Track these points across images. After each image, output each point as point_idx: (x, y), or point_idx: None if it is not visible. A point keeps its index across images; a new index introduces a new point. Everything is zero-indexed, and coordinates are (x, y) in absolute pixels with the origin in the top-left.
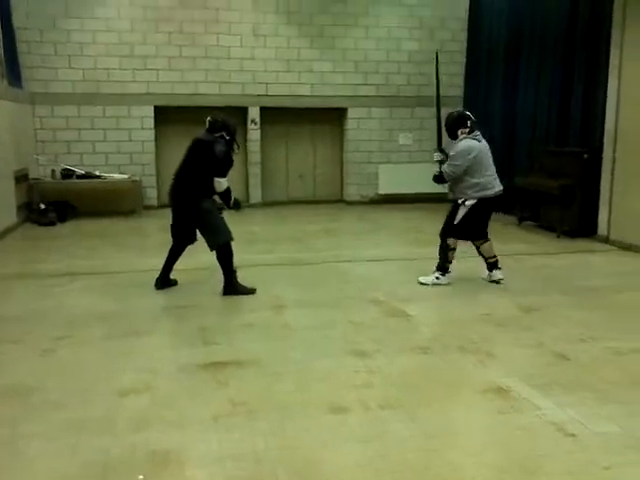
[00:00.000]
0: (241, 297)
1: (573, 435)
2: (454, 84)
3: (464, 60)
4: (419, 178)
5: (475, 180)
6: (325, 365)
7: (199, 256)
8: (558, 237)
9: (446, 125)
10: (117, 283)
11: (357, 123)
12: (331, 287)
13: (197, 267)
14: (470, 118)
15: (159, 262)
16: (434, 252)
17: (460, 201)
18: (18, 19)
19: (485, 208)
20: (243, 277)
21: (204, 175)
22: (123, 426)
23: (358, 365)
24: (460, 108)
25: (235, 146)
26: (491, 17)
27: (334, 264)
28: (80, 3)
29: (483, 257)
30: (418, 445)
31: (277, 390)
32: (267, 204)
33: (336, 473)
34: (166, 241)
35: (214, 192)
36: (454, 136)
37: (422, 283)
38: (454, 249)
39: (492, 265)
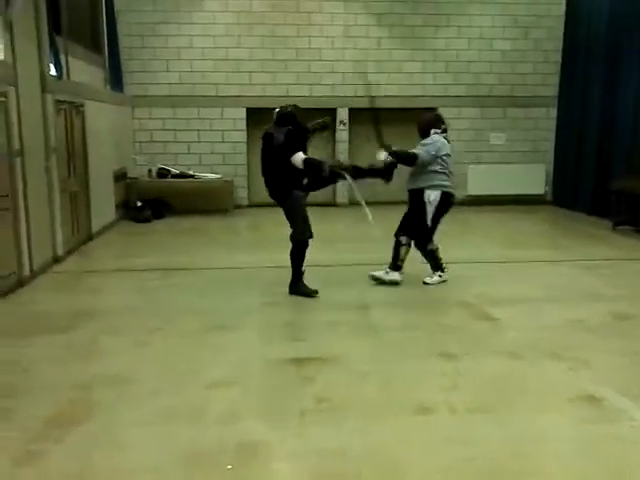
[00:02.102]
0: (326, 296)
1: None
2: (549, 83)
3: (559, 59)
4: (510, 179)
5: (442, 171)
6: (411, 366)
7: (273, 254)
8: None
9: (420, 124)
10: (209, 279)
11: (447, 123)
12: (417, 288)
13: (272, 265)
14: (443, 121)
15: (249, 259)
16: (527, 255)
17: (427, 198)
18: (122, 27)
19: (446, 204)
20: (328, 276)
21: (280, 165)
22: (213, 417)
23: (445, 367)
24: (435, 111)
25: (309, 132)
26: (590, 14)
27: (423, 265)
28: (179, 10)
29: (402, 258)
30: (506, 451)
31: (362, 389)
32: (353, 204)
33: (421, 475)
34: (255, 239)
35: (298, 179)
36: (426, 135)
37: (427, 283)
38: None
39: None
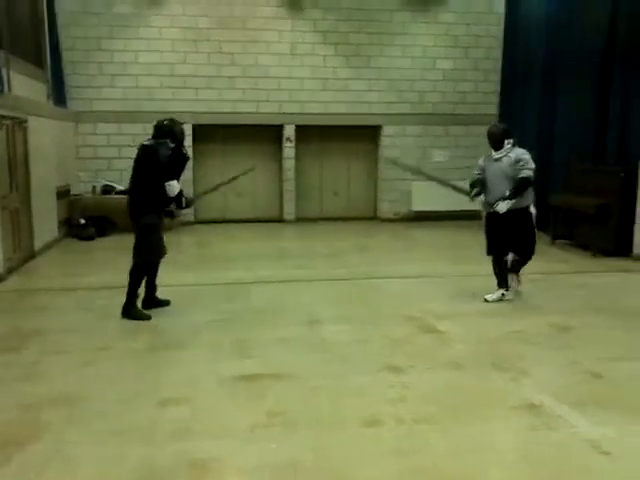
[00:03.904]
0: (274, 312)
1: (607, 453)
2: (489, 102)
3: (498, 78)
4: (453, 195)
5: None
6: (360, 380)
7: (221, 272)
8: (593, 256)
9: (493, 135)
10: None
11: (391, 140)
12: (365, 303)
13: (221, 282)
14: (511, 132)
15: (195, 276)
16: (469, 270)
17: (532, 209)
18: (65, 41)
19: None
20: (275, 292)
21: (151, 182)
22: (164, 435)
23: (392, 380)
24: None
25: (184, 151)
26: (527, 34)
27: (368, 280)
28: (125, 25)
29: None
30: (452, 460)
31: (313, 403)
32: (301, 220)
33: None
34: (202, 256)
35: (163, 200)
36: (500, 146)
37: (487, 300)
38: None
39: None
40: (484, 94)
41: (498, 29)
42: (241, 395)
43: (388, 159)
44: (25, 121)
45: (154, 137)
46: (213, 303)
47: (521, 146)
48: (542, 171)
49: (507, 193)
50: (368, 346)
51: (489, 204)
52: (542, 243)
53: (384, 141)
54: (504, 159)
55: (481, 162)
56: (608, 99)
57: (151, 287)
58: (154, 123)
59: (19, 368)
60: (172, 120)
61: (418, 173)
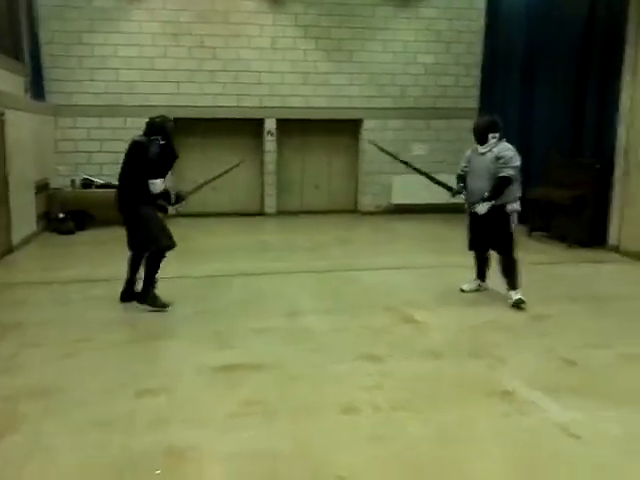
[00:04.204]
0: (255, 303)
1: (577, 437)
2: (469, 96)
3: (479, 72)
4: (432, 188)
5: (517, 183)
6: (338, 369)
7: (203, 265)
8: (569, 247)
9: (476, 128)
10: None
11: (372, 134)
12: (345, 295)
13: (202, 275)
14: (500, 125)
15: (176, 269)
16: (449, 261)
17: (508, 208)
18: (45, 35)
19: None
20: (256, 285)
21: (140, 178)
22: (142, 424)
23: (370, 369)
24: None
25: (174, 149)
26: (507, 28)
27: (348, 272)
28: (105, 18)
29: (486, 269)
30: (428, 446)
31: (291, 392)
32: (282, 213)
33: (350, 471)
34: (182, 249)
35: (150, 196)
36: (484, 140)
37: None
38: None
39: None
40: (465, 88)
41: (479, 24)
42: (220, 385)
43: (371, 142)
44: (2, 114)
45: (145, 134)
46: (194, 295)
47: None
48: (522, 165)
49: (486, 194)
50: (347, 335)
51: (470, 203)
52: (519, 235)
53: (365, 135)
54: (488, 154)
55: (468, 154)
56: (585, 92)
57: (132, 280)
58: (146, 120)
59: None
60: (164, 117)
61: (400, 161)
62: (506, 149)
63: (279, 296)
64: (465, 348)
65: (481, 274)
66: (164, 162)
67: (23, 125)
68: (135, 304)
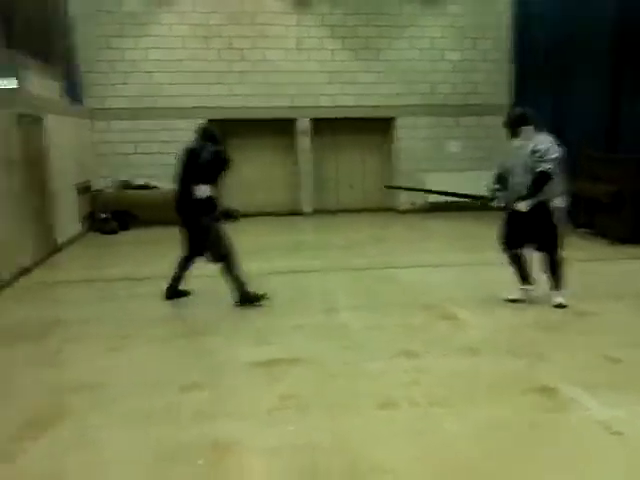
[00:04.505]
0: (293, 301)
1: (620, 434)
2: (500, 92)
3: (510, 68)
4: (466, 185)
5: (558, 175)
6: (375, 365)
7: (244, 264)
8: (611, 244)
9: (506, 121)
10: None
11: (405, 132)
12: (381, 292)
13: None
14: (533, 116)
15: (215, 267)
16: (485, 258)
17: (554, 204)
18: (78, 40)
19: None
20: (294, 282)
21: (193, 183)
22: (186, 418)
23: (407, 365)
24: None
25: (226, 155)
26: (539, 22)
27: (384, 270)
28: (134, 23)
29: (526, 268)
30: (465, 442)
31: (328, 387)
32: (318, 212)
33: (387, 465)
34: None
35: (214, 204)
36: (516, 134)
37: (563, 305)
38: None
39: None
40: (495, 84)
41: (506, 18)
42: (260, 379)
43: (386, 186)
44: (41, 119)
45: (198, 140)
46: (228, 294)
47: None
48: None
49: (524, 191)
50: (383, 332)
51: (509, 201)
52: (565, 232)
53: (398, 133)
54: (524, 148)
55: (506, 150)
56: (621, 85)
57: (178, 278)
58: (197, 127)
59: (45, 355)
60: (213, 125)
61: (420, 191)
62: (541, 141)
63: (316, 294)
64: (504, 345)
65: (525, 277)
66: (215, 168)
67: (62, 129)
68: (178, 300)
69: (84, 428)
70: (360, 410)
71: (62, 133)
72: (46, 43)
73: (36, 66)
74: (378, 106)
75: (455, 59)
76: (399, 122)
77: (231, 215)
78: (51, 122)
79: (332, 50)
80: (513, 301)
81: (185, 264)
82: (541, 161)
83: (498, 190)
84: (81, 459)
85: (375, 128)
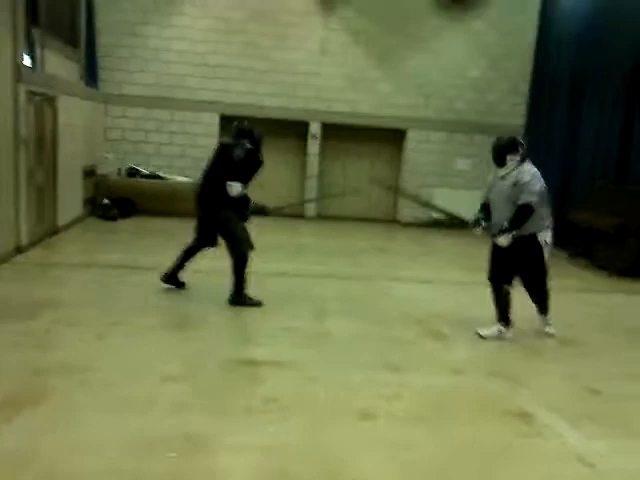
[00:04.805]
0: (285, 304)
1: (592, 465)
2: (516, 113)
3: (526, 89)
4: (474, 204)
5: (545, 208)
6: (359, 375)
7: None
8: (609, 276)
9: (493, 149)
10: None
11: (416, 145)
12: (375, 303)
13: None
14: (521, 145)
15: (212, 263)
16: (483, 279)
17: (540, 238)
18: (100, 24)
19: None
20: (288, 285)
21: (223, 179)
22: (163, 408)
23: (390, 378)
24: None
25: (259, 155)
26: (558, 49)
27: (381, 282)
28: (159, 12)
29: (508, 308)
30: (440, 458)
31: (310, 392)
32: (322, 217)
33: (361, 475)
34: (219, 246)
35: (233, 198)
36: (502, 162)
37: (481, 336)
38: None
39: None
40: (512, 105)
41: (529, 41)
42: (242, 378)
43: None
44: (55, 98)
45: (233, 137)
46: (225, 289)
47: (546, 159)
48: (564, 187)
49: (505, 224)
50: (371, 344)
51: (492, 234)
52: (559, 259)
53: (408, 144)
54: (507, 179)
55: (490, 179)
56: (633, 118)
57: (180, 266)
58: (234, 123)
59: (32, 336)
60: (252, 124)
61: (408, 198)
62: (524, 172)
63: (309, 298)
64: (487, 367)
65: (501, 314)
66: (248, 166)
67: (75, 110)
68: (171, 292)
69: (62, 410)
70: (339, 418)
71: (74, 115)
72: (68, 24)
73: (55, 45)
74: (392, 116)
75: (474, 76)
76: (411, 134)
77: (263, 211)
78: (64, 103)
79: (353, 56)
80: (482, 337)
81: (190, 253)
82: (523, 193)
83: (483, 219)
84: (56, 440)
85: (387, 138)
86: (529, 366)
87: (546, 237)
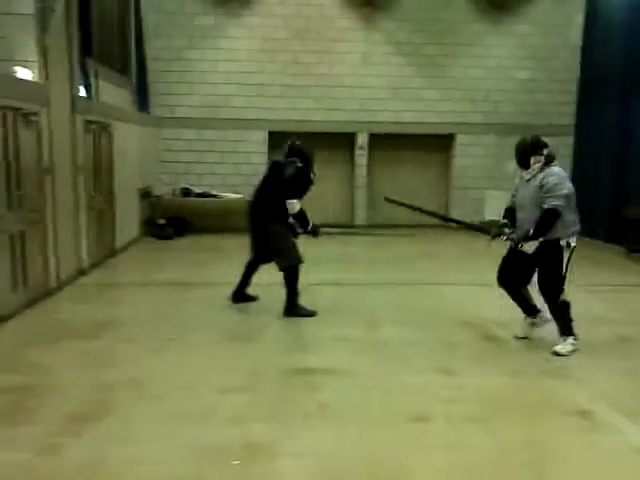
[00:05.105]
0: (338, 313)
1: None
2: (565, 112)
3: (575, 89)
4: None
5: (572, 215)
6: (413, 379)
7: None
8: None
9: (516, 149)
10: (225, 294)
11: (464, 149)
12: (426, 308)
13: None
14: (545, 145)
15: (265, 277)
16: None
17: (563, 242)
18: (150, 51)
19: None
20: (340, 294)
21: (274, 196)
22: (222, 419)
23: (445, 381)
24: (533, 135)
25: (312, 173)
26: (606, 46)
27: (432, 286)
28: (203, 36)
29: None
30: (496, 459)
31: (365, 398)
32: (372, 226)
33: (414, 475)
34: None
35: (285, 214)
36: (526, 164)
37: (559, 354)
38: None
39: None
40: (560, 105)
41: (576, 40)
42: (298, 387)
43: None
44: (110, 125)
45: (286, 155)
46: (280, 302)
47: (597, 158)
48: (618, 183)
49: (530, 230)
50: (424, 348)
51: (515, 240)
52: (616, 255)
53: (457, 150)
54: (532, 181)
55: (516, 181)
56: None
57: (244, 283)
58: (288, 142)
59: (94, 354)
60: (303, 143)
61: (418, 210)
62: (551, 175)
63: (361, 306)
64: (544, 367)
65: (528, 308)
66: (299, 184)
67: (129, 136)
68: (227, 306)
69: (126, 424)
70: (394, 424)
71: (129, 140)
72: (120, 53)
73: (108, 74)
74: (439, 123)
75: (521, 78)
76: (459, 139)
77: (316, 232)
78: (119, 129)
79: (397, 66)
80: (522, 339)
81: (251, 269)
82: (548, 197)
83: (505, 225)
84: (120, 452)
85: (435, 145)
86: (587, 364)
87: (569, 241)
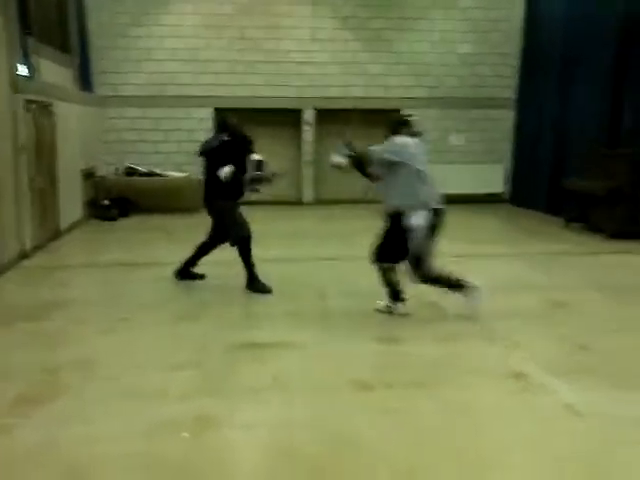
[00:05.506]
0: (286, 288)
1: (582, 415)
2: (505, 85)
3: (517, 62)
4: (470, 178)
5: (422, 182)
6: (359, 349)
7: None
8: (605, 239)
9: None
10: (170, 274)
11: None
12: (372, 280)
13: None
14: (408, 124)
15: (210, 256)
16: (482, 250)
17: (413, 221)
18: (92, 27)
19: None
20: (289, 270)
21: (210, 172)
22: (173, 395)
23: (387, 350)
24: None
25: (239, 137)
26: (548, 20)
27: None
28: (147, 12)
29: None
30: (437, 418)
31: (313, 369)
32: (319, 202)
33: (361, 441)
34: None
35: (224, 189)
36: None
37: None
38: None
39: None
40: (502, 78)
41: (517, 13)
42: (246, 361)
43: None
44: (51, 105)
45: (216, 131)
46: (227, 279)
47: (539, 129)
48: (557, 156)
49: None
50: (369, 319)
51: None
52: (555, 225)
53: None
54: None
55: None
56: (624, 83)
57: (191, 262)
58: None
59: (43, 335)
60: (225, 114)
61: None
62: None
63: (309, 281)
64: (481, 332)
65: (394, 294)
66: (227, 152)
67: (71, 116)
68: (175, 285)
69: (78, 404)
70: (341, 391)
71: (71, 119)
72: (60, 30)
73: (49, 53)
74: (386, 97)
75: (465, 52)
76: (409, 115)
77: (267, 179)
78: (61, 109)
79: (344, 41)
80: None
81: (204, 250)
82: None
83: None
84: (73, 432)
85: (382, 119)
86: (521, 329)
87: (416, 219)
